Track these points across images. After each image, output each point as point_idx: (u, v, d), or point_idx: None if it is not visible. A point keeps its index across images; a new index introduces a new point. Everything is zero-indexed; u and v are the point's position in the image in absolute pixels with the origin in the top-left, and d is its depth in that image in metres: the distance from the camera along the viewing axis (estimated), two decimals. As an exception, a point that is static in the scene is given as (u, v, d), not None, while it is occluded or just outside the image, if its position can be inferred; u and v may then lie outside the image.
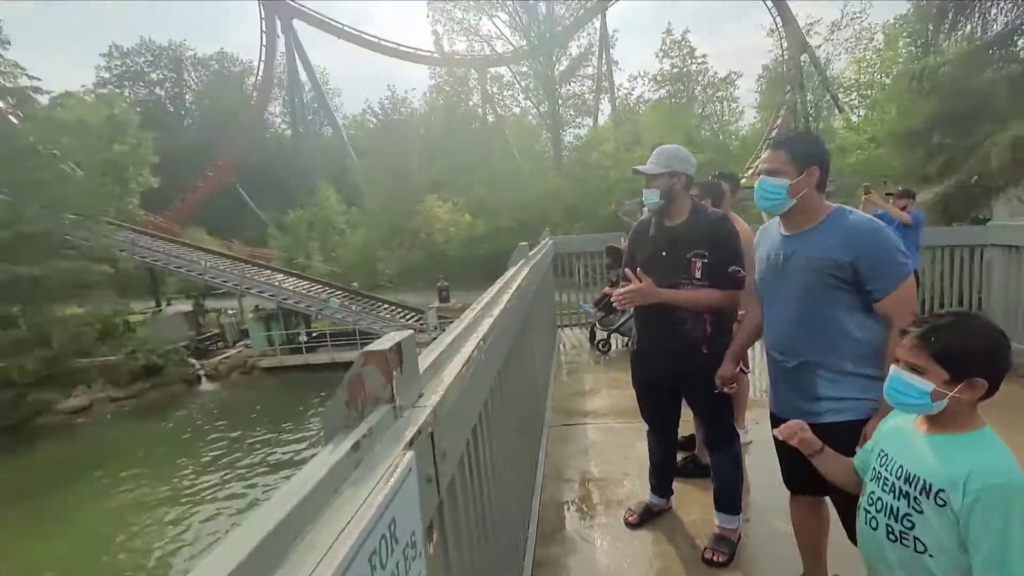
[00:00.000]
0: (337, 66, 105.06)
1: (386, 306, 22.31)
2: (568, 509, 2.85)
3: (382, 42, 40.66)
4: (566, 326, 6.95)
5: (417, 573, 0.70)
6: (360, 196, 34.31)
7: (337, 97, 50.84)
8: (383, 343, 0.82)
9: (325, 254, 32.11)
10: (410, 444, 0.75)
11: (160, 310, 21.49)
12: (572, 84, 40.23)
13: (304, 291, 21.77)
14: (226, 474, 11.68)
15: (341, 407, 0.76)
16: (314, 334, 20.38)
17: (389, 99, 44.36)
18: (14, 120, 19.23)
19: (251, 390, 17.71)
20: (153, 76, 48.88)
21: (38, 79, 19.09)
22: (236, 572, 0.40)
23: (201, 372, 18.24)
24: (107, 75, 46.11)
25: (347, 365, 0.83)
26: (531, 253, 3.92)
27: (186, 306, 22.12)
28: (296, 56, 41.56)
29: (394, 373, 0.80)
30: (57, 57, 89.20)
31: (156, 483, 11.49)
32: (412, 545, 0.69)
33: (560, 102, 39.43)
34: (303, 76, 42.90)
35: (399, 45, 40.78)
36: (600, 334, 5.92)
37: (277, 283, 22.17)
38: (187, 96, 50.75)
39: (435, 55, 40.32)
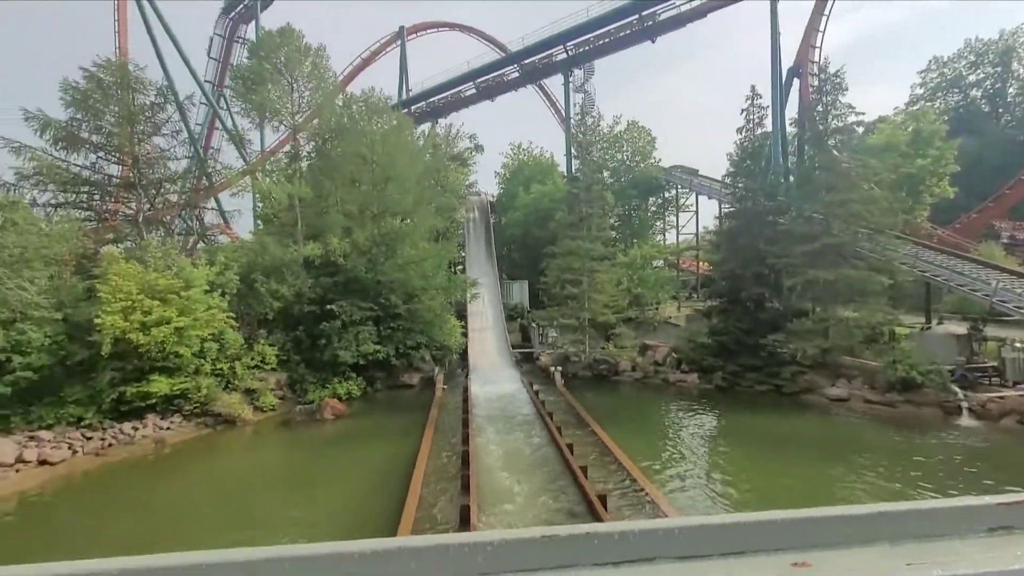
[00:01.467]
0: None
1: None
2: None
3: None
4: None
5: None
6: None
7: None
8: None
9: None
10: None
11: (929, 327, 20.72)
12: None
13: None
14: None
15: None
16: None
17: None
18: (835, 152, 23.56)
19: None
20: (971, 78, 45.42)
21: (862, 113, 22.33)
22: None
23: (964, 404, 16.37)
24: (921, 91, 47.00)
25: None
26: None
27: (959, 328, 20.14)
28: None
29: None
30: (880, 84, 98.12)
31: (886, 484, 11.56)
32: None
33: None
34: None
35: None
36: None
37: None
38: (1010, 89, 43.88)
39: None
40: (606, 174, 39.81)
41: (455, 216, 37.11)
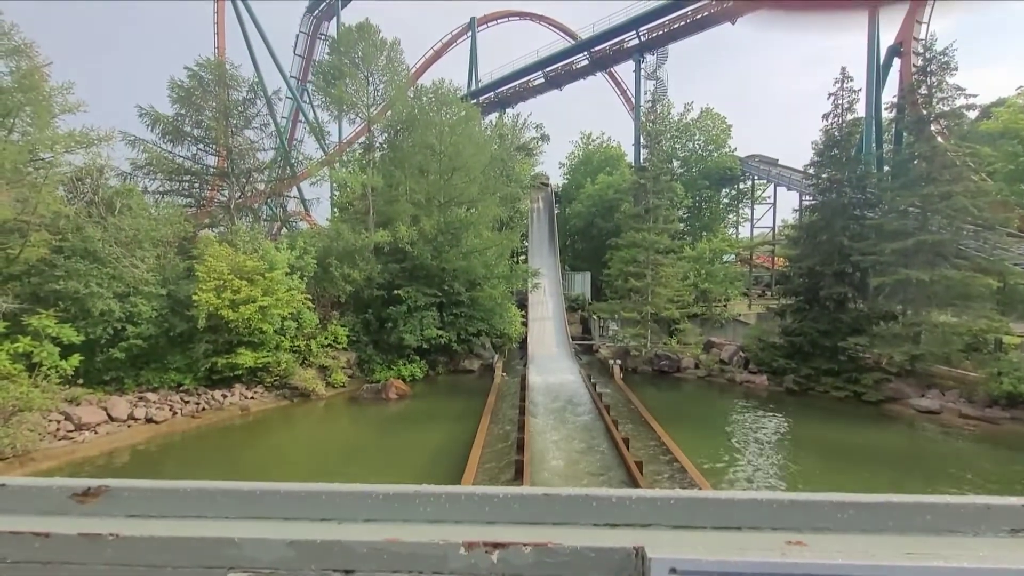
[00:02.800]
0: None
1: None
2: None
3: None
4: None
5: None
6: None
7: None
8: None
9: None
10: None
11: (1045, 337, 18.41)
12: None
13: None
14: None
15: None
16: None
17: None
18: (939, 139, 21.26)
19: None
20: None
21: (973, 95, 19.98)
22: None
23: (1082, 425, 14.49)
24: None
25: None
26: None
27: (1083, 340, 17.76)
28: None
29: None
30: (996, 64, 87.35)
31: None
32: None
33: None
34: None
35: None
36: None
37: None
38: None
39: None
40: (676, 164, 38.43)
41: (519, 206, 37.34)
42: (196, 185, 25.12)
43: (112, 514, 1.04)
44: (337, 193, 30.93)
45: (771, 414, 17.91)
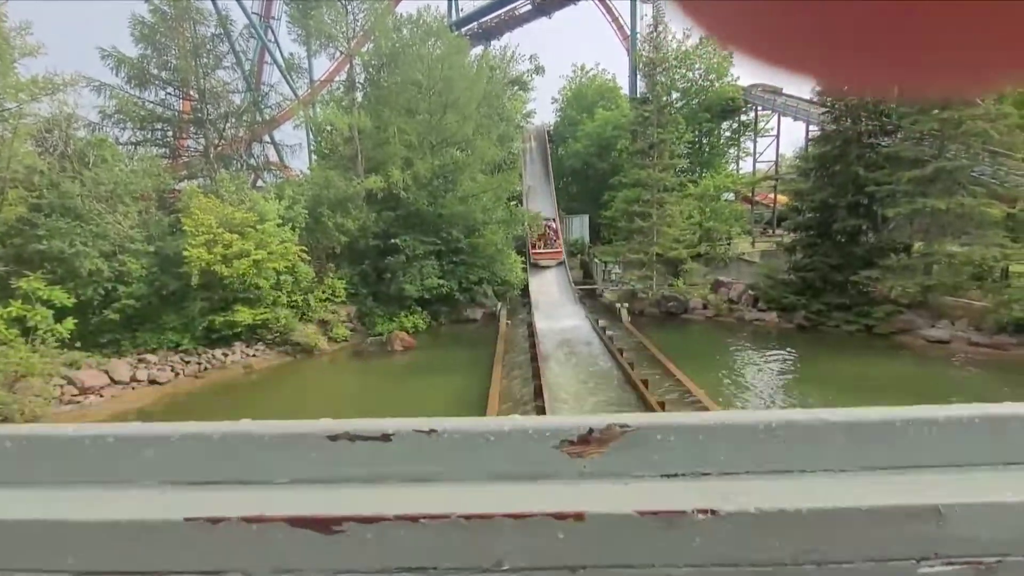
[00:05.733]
0: None
1: None
2: None
3: None
4: None
5: None
6: None
7: None
8: None
9: None
10: None
11: (1053, 264, 18.31)
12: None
13: None
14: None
15: None
16: None
17: None
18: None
19: None
20: None
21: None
22: None
23: (1092, 350, 14.62)
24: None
25: None
26: None
27: (1093, 265, 17.69)
28: None
29: None
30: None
31: None
32: None
33: None
34: None
35: None
36: None
37: None
38: None
39: None
40: (676, 96, 36.74)
41: (512, 147, 35.80)
42: (169, 133, 23.45)
43: None
44: (317, 139, 29.23)
45: (782, 350, 17.91)
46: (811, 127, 27.75)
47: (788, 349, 17.88)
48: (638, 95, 38.37)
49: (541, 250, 24.52)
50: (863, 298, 18.68)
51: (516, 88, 41.55)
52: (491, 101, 31.19)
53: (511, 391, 13.68)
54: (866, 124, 19.91)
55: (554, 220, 28.53)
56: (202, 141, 22.45)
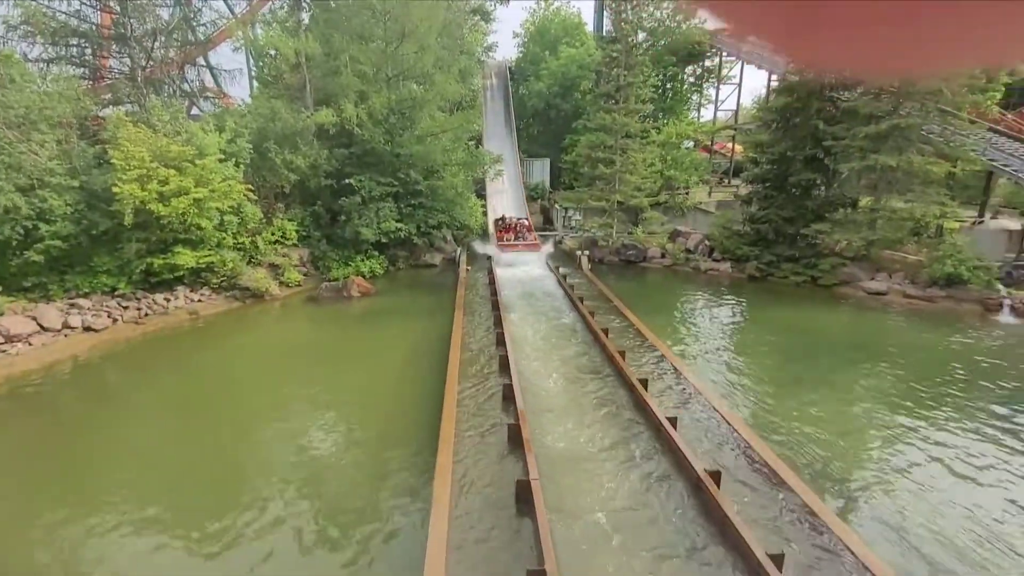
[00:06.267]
0: None
1: None
2: None
3: None
4: None
5: None
6: None
7: None
8: None
9: None
10: None
11: (981, 221, 19.62)
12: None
13: None
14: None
15: None
16: None
17: None
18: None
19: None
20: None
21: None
22: None
23: (1006, 301, 15.97)
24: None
25: None
26: None
27: (1014, 223, 19.07)
28: None
29: None
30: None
31: (900, 385, 11.42)
32: None
33: None
34: None
35: None
36: None
37: None
38: None
39: None
40: (641, 36, 35.58)
41: (473, 83, 34.02)
42: (88, 51, 20.72)
43: None
44: (259, 64, 26.64)
45: (731, 299, 18.64)
46: (774, 77, 27.71)
47: (738, 298, 18.63)
48: (604, 33, 36.94)
49: (511, 242, 23.71)
50: (811, 251, 19.50)
51: (477, 18, 39.07)
52: (452, 31, 29.19)
53: (473, 340, 13.63)
54: (829, 77, 19.97)
55: (526, 218, 27.66)
56: (127, 61, 19.96)
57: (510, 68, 41.48)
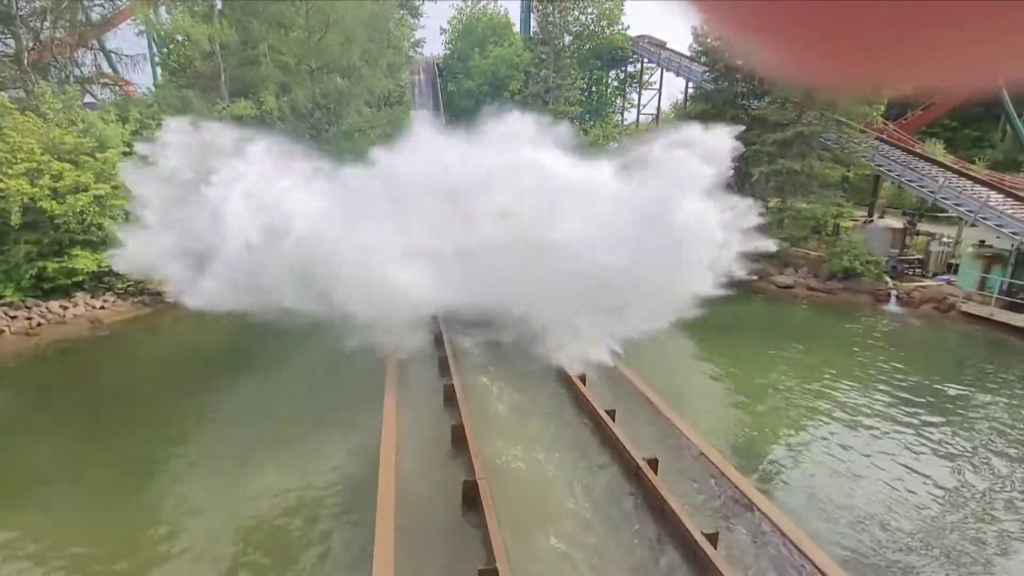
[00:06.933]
0: None
1: None
2: None
3: None
4: None
5: None
6: None
7: None
8: None
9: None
10: None
11: (871, 220, 22.01)
12: None
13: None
14: (896, 404, 11.67)
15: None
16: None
17: None
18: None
19: (939, 331, 16.26)
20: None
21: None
22: None
23: (893, 292, 18.07)
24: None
25: None
26: None
27: (897, 222, 21.57)
28: None
29: None
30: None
31: (808, 371, 13.07)
32: None
33: None
34: None
35: None
36: None
37: (1024, 220, 17.76)
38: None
39: None
40: (568, 39, 36.52)
41: (401, 79, 33.28)
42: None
43: None
44: (164, 50, 24.50)
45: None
46: (691, 85, 29.45)
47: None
48: (532, 35, 37.48)
49: None
50: (729, 247, 20.97)
51: (404, 12, 38.22)
52: (379, 24, 28.37)
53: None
54: (741, 86, 21.59)
55: None
56: (11, 43, 17.58)
57: (438, 64, 40.99)
